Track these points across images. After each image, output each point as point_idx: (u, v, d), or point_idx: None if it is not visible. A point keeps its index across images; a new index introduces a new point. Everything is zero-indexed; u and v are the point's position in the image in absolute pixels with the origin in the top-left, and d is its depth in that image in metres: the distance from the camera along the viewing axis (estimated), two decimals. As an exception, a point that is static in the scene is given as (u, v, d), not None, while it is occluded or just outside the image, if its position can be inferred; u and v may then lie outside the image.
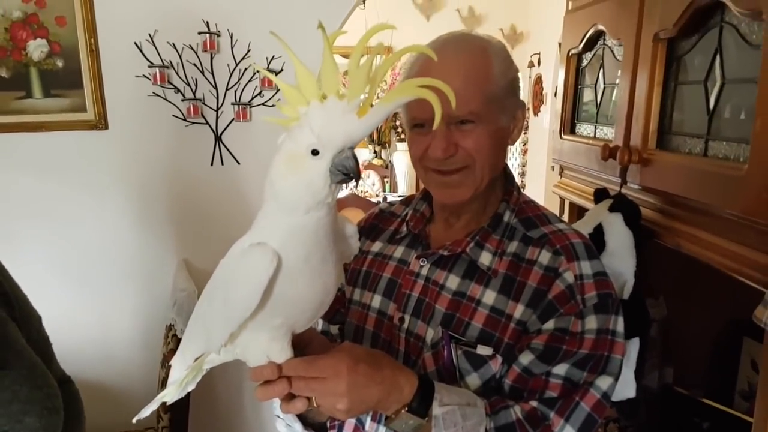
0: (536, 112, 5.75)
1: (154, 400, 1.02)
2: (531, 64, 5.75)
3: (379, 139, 6.20)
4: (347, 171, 0.83)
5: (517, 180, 6.18)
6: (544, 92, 5.53)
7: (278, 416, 1.16)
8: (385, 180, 6.37)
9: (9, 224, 2.40)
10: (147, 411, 1.02)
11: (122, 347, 2.56)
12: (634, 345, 1.43)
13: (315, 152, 0.82)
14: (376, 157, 6.34)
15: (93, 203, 2.46)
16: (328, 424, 1.18)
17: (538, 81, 5.64)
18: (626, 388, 1.43)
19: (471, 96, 1.04)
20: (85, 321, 2.53)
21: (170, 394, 1.02)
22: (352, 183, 0.87)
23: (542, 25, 5.52)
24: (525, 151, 6.14)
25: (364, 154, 6.31)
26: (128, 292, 2.54)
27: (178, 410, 2.30)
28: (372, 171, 6.21)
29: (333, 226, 0.89)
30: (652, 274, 1.83)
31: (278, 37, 0.83)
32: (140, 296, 2.53)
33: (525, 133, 6.06)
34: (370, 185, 6.13)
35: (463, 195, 1.11)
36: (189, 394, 2.31)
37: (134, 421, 1.02)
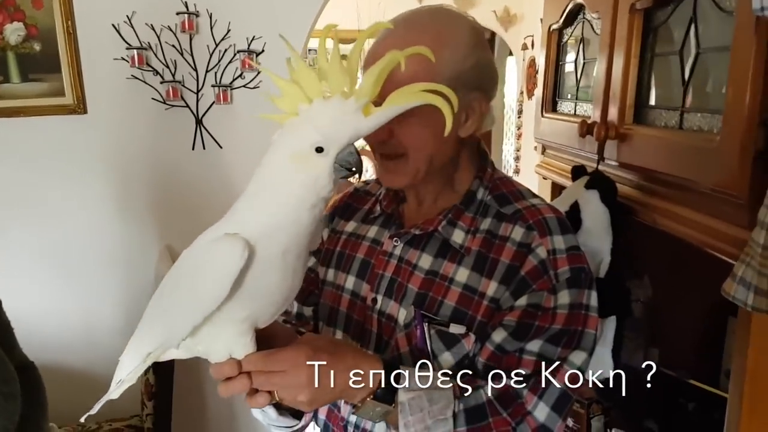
0: (530, 95, 5.69)
1: (100, 401, 0.98)
2: (524, 47, 5.69)
3: (373, 125, 6.13)
4: (350, 166, 0.86)
5: (512, 164, 6.16)
6: (537, 75, 5.48)
7: None
8: (379, 165, 6.34)
9: (-13, 211, 2.37)
10: (94, 410, 0.99)
11: (105, 334, 2.54)
12: (611, 324, 1.41)
13: (319, 149, 0.84)
14: (369, 142, 6.29)
15: (73, 189, 2.43)
16: None
17: (532, 64, 5.58)
18: (603, 367, 1.41)
19: (404, 80, 0.90)
20: (68, 308, 2.51)
21: (117, 393, 0.99)
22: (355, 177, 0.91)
23: (536, 8, 5.46)
24: (519, 136, 6.09)
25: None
26: (111, 278, 2.52)
27: (162, 397, 2.30)
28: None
29: (318, 223, 0.90)
30: (637, 254, 1.80)
31: (285, 39, 0.88)
32: (123, 283, 2.51)
33: (519, 117, 6.01)
34: (363, 171, 6.11)
35: (400, 182, 1.09)
36: (172, 379, 2.32)
37: (82, 420, 1.00)
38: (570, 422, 1.74)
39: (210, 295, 0.84)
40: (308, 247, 0.91)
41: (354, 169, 0.86)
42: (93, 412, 0.98)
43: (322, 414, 1.20)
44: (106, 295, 2.51)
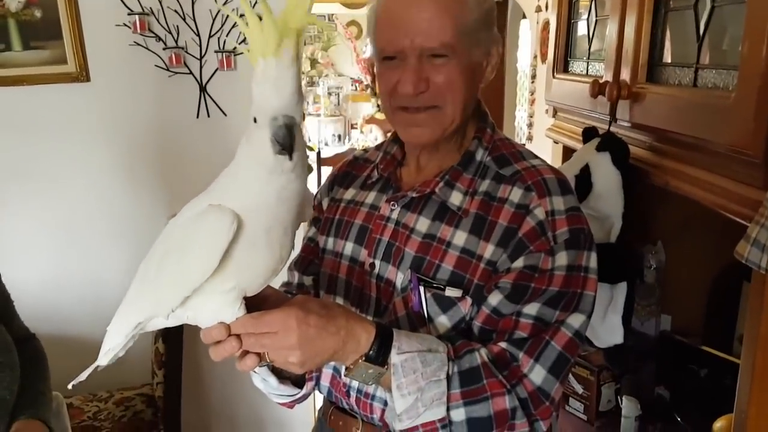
0: (544, 59, 5.57)
1: (89, 368, 0.99)
2: (538, 9, 5.55)
3: (383, 92, 6.05)
4: (278, 139, 0.79)
5: (525, 131, 6.07)
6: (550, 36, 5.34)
7: (253, 371, 1.13)
8: (389, 134, 6.25)
9: (-8, 181, 2.37)
10: (82, 377, 1.00)
11: (113, 304, 2.53)
12: (621, 289, 1.38)
13: (255, 120, 0.81)
14: (379, 111, 6.22)
15: (77, 159, 2.41)
16: (306, 375, 1.16)
17: (546, 26, 5.46)
18: (613, 334, 1.39)
19: (443, 26, 0.98)
20: (74, 279, 2.51)
21: (106, 361, 0.99)
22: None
23: (549, -32, 5.33)
24: (533, 101, 5.99)
25: (366, 108, 6.20)
26: (117, 248, 2.51)
27: (172, 365, 2.31)
28: (374, 125, 6.10)
29: (300, 197, 0.87)
30: (649, 218, 1.76)
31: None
32: (129, 252, 2.48)
33: (533, 82, 5.90)
34: (372, 140, 6.04)
35: (430, 136, 1.07)
36: (182, 346, 2.33)
37: (70, 387, 1.00)
38: (580, 389, 1.73)
39: (199, 268, 0.83)
40: (296, 220, 0.89)
41: (280, 142, 0.79)
42: (82, 378, 0.99)
43: (325, 381, 1.19)
44: (113, 265, 2.50)
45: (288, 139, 0.79)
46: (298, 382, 1.14)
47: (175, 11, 2.32)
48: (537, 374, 0.97)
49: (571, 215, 1.01)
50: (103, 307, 2.54)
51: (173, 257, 0.88)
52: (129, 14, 2.29)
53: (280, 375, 1.10)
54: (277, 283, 1.22)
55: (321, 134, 7.86)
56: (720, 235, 1.48)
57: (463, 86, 1.02)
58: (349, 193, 1.23)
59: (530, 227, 1.00)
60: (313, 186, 5.05)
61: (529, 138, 5.91)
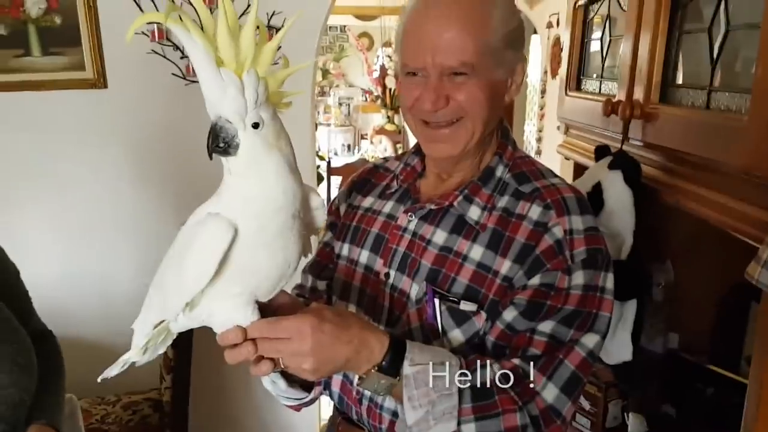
0: (554, 74, 5.59)
1: (118, 361, 1.01)
2: (549, 25, 5.58)
3: (392, 104, 6.07)
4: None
5: (534, 145, 6.09)
6: (562, 54, 5.36)
7: None
8: (398, 145, 6.28)
9: (8, 184, 2.40)
10: (112, 372, 1.02)
11: (124, 306, 2.55)
12: (631, 307, 1.38)
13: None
14: (389, 122, 6.24)
15: (93, 163, 2.44)
16: (316, 381, 1.17)
17: (557, 42, 5.48)
18: (623, 350, 1.39)
19: (465, 46, 1.00)
20: (87, 282, 2.54)
21: (137, 357, 1.01)
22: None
23: (561, -15, 5.34)
24: (542, 116, 6.01)
25: (376, 119, 6.22)
26: (130, 254, 2.53)
27: (181, 370, 2.32)
28: (384, 136, 6.11)
29: (274, 202, 0.87)
30: (659, 238, 1.77)
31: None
32: (141, 256, 2.51)
33: (542, 97, 5.92)
34: (382, 150, 6.06)
35: (452, 150, 1.07)
36: (191, 352, 2.34)
37: (99, 380, 1.02)
38: (587, 406, 1.73)
39: (196, 276, 0.85)
40: (297, 224, 0.89)
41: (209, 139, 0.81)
42: (111, 374, 1.01)
43: (336, 387, 1.20)
44: (126, 267, 2.53)
45: (208, 139, 0.81)
46: (306, 386, 1.15)
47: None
48: (549, 392, 0.97)
49: (590, 235, 1.02)
50: (111, 307, 2.58)
51: (174, 265, 0.90)
52: (147, 23, 2.31)
53: (290, 379, 1.11)
54: (289, 286, 1.24)
55: (331, 144, 7.90)
56: (729, 255, 1.49)
57: (485, 103, 1.04)
58: (368, 201, 1.24)
59: (548, 245, 1.00)
60: (323, 194, 5.06)
61: (538, 152, 5.93)
